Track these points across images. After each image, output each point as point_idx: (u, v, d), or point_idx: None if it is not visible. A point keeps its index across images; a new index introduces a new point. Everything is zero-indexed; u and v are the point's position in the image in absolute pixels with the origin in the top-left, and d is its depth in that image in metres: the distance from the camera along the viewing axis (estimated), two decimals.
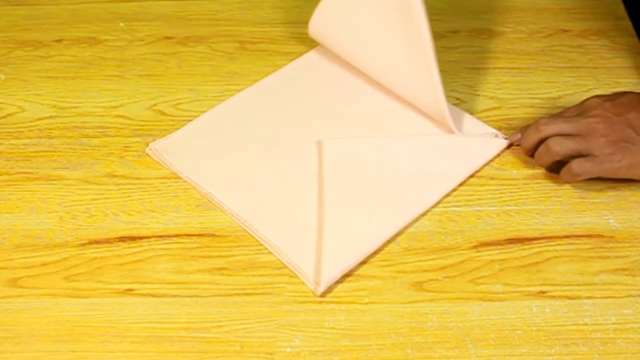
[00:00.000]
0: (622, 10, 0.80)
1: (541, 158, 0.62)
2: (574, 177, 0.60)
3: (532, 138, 0.63)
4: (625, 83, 0.72)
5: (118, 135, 0.69)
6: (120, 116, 0.71)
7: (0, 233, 0.61)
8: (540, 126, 0.62)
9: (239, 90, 0.73)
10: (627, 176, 0.60)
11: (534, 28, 0.80)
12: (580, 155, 0.60)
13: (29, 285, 0.57)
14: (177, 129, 0.69)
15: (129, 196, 0.64)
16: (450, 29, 0.79)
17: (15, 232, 0.61)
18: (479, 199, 0.62)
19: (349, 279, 0.57)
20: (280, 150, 0.66)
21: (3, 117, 0.72)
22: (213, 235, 0.60)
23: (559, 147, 0.60)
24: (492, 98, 0.71)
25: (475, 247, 0.59)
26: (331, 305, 0.55)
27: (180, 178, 0.65)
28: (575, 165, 0.60)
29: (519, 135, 0.65)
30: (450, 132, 0.66)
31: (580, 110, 0.63)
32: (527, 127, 0.64)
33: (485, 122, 0.68)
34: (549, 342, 0.52)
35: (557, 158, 0.61)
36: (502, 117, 0.69)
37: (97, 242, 0.60)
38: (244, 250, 0.59)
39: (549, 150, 0.61)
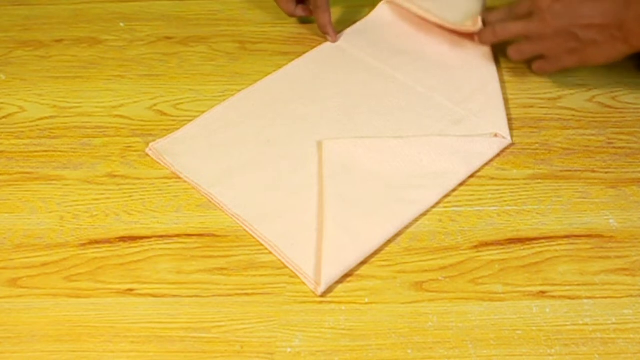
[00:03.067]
0: None
1: (486, 38, 0.71)
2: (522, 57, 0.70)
3: (489, 40, 0.72)
4: (626, 83, 0.72)
5: (118, 135, 0.69)
6: (121, 116, 0.71)
7: (1, 233, 0.61)
8: (497, 31, 0.70)
9: (239, 90, 0.73)
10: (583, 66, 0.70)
11: None
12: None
13: (29, 285, 0.57)
14: (177, 129, 0.69)
15: (130, 196, 0.64)
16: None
17: (16, 232, 0.61)
18: (479, 199, 0.62)
19: (349, 279, 0.57)
20: (280, 150, 0.66)
21: (3, 117, 0.72)
22: (213, 235, 0.60)
23: (520, 53, 0.70)
24: None
25: (475, 247, 0.59)
26: (331, 305, 0.55)
27: (180, 178, 0.65)
28: (537, 66, 0.70)
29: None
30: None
31: (531, 7, 0.68)
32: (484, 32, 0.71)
33: None
34: (549, 342, 0.52)
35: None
36: None
37: (97, 242, 0.60)
38: (244, 250, 0.59)
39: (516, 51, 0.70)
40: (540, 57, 0.69)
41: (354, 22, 0.81)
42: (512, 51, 0.70)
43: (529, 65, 0.71)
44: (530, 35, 0.68)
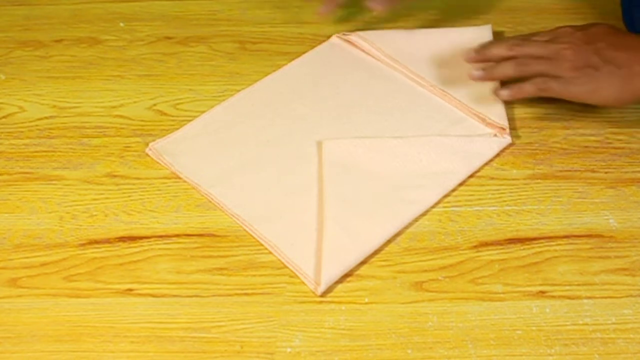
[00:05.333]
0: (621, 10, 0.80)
1: (503, 71, 0.65)
2: (536, 91, 0.64)
3: (501, 54, 0.65)
4: None
5: (118, 135, 0.69)
6: (120, 116, 0.71)
7: (0, 233, 0.61)
8: (513, 46, 0.65)
9: (239, 90, 0.73)
10: (587, 101, 0.64)
11: (534, 28, 0.79)
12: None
13: (29, 285, 0.57)
14: (177, 129, 0.69)
15: (129, 196, 0.64)
16: None
17: (15, 232, 0.61)
18: (479, 199, 0.62)
19: (349, 279, 0.57)
20: (280, 150, 0.66)
21: (3, 117, 0.72)
22: (213, 235, 0.60)
23: (525, 67, 0.64)
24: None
25: (475, 247, 0.59)
26: (331, 305, 0.55)
27: (180, 178, 0.65)
28: (540, 80, 0.63)
29: (473, 54, 0.67)
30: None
31: (552, 36, 0.65)
32: (491, 43, 0.67)
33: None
34: (549, 342, 0.52)
35: (521, 75, 0.64)
36: None
37: (97, 242, 0.60)
38: (244, 250, 0.59)
39: (516, 66, 0.64)
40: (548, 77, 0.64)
41: (356, 23, 0.81)
42: (513, 90, 0.65)
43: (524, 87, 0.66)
44: (549, 56, 0.64)
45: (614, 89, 0.63)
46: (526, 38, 0.67)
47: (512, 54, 0.65)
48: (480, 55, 0.67)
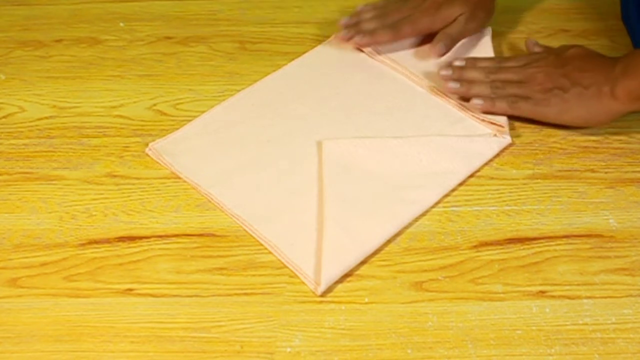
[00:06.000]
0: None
1: (478, 91, 0.68)
2: (507, 109, 0.67)
3: (476, 79, 0.69)
4: None
5: (118, 135, 0.69)
6: (120, 116, 0.71)
7: (0, 233, 0.61)
8: (489, 74, 0.69)
9: (238, 90, 0.73)
10: (556, 121, 0.67)
11: (534, 28, 0.80)
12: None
13: (29, 285, 0.57)
14: (177, 129, 0.69)
15: (129, 196, 0.64)
16: None
17: (15, 232, 0.61)
18: (478, 199, 0.62)
19: (349, 279, 0.57)
20: (280, 150, 0.66)
21: (3, 117, 0.72)
22: (213, 235, 0.60)
23: (499, 90, 0.67)
24: None
25: (475, 247, 0.59)
26: (331, 305, 0.55)
27: (180, 178, 0.65)
28: (512, 99, 0.67)
29: (449, 72, 0.70)
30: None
31: (528, 60, 0.69)
32: (468, 67, 0.70)
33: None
34: (549, 342, 0.52)
35: (495, 96, 0.67)
36: None
37: (96, 242, 0.60)
38: (244, 250, 0.59)
39: (491, 88, 0.68)
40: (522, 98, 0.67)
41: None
42: (486, 104, 0.68)
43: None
44: (521, 80, 0.67)
45: (582, 110, 0.65)
46: (500, 64, 0.70)
47: (488, 81, 0.68)
48: (457, 76, 0.70)
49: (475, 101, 0.67)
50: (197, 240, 0.60)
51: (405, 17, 0.74)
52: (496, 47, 0.76)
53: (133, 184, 0.65)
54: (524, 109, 0.67)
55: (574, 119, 0.66)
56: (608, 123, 0.66)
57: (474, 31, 0.75)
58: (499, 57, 0.73)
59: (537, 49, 0.72)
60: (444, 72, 0.70)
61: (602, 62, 0.66)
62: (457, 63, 0.71)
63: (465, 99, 0.69)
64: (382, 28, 0.74)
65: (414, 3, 0.74)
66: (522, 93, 0.67)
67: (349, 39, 0.75)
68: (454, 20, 0.73)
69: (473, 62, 0.71)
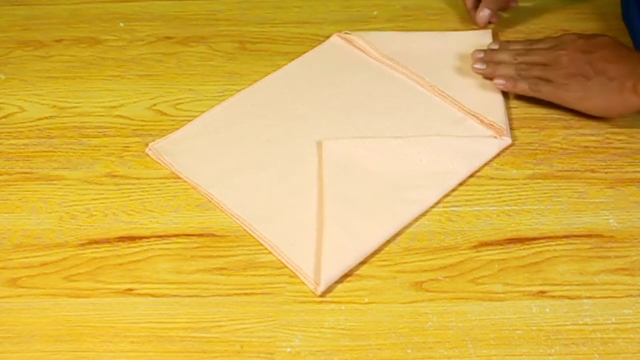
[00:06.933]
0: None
1: (504, 72, 0.69)
2: (528, 90, 0.68)
3: (505, 60, 0.70)
4: None
5: (118, 135, 0.69)
6: (120, 116, 0.71)
7: (0, 233, 0.61)
8: (517, 56, 0.70)
9: (238, 90, 0.73)
10: (574, 107, 0.67)
11: (534, 28, 0.80)
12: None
13: (29, 285, 0.57)
14: (177, 129, 0.69)
15: (129, 196, 0.64)
16: (451, 29, 0.79)
17: (15, 232, 0.61)
18: (478, 199, 0.62)
19: (349, 279, 0.57)
20: (280, 150, 0.66)
21: (3, 117, 0.72)
22: (213, 235, 0.60)
23: (524, 72, 0.68)
24: None
25: (475, 247, 0.59)
26: (331, 305, 0.55)
27: (180, 178, 0.65)
28: (534, 81, 0.68)
29: (482, 54, 0.71)
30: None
31: (556, 42, 0.70)
32: (498, 49, 0.72)
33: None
34: (549, 342, 0.52)
35: (519, 77, 0.69)
36: None
37: (96, 242, 0.60)
38: (244, 250, 0.59)
39: (516, 70, 0.69)
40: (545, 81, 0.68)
41: (356, 23, 0.81)
42: (509, 83, 0.69)
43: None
44: (548, 62, 0.68)
45: (602, 100, 0.65)
46: (531, 46, 0.71)
47: (515, 63, 0.70)
48: (487, 57, 0.72)
49: (498, 81, 0.69)
50: (197, 240, 0.60)
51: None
52: None
53: (133, 184, 0.65)
54: (544, 92, 0.67)
55: (591, 108, 0.66)
56: (625, 116, 0.67)
57: None
58: (531, 39, 0.73)
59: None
60: (477, 55, 0.71)
61: (629, 56, 0.65)
62: (492, 46, 0.72)
63: (491, 78, 0.70)
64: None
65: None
66: (545, 75, 0.67)
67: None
68: None
69: (506, 44, 0.73)
